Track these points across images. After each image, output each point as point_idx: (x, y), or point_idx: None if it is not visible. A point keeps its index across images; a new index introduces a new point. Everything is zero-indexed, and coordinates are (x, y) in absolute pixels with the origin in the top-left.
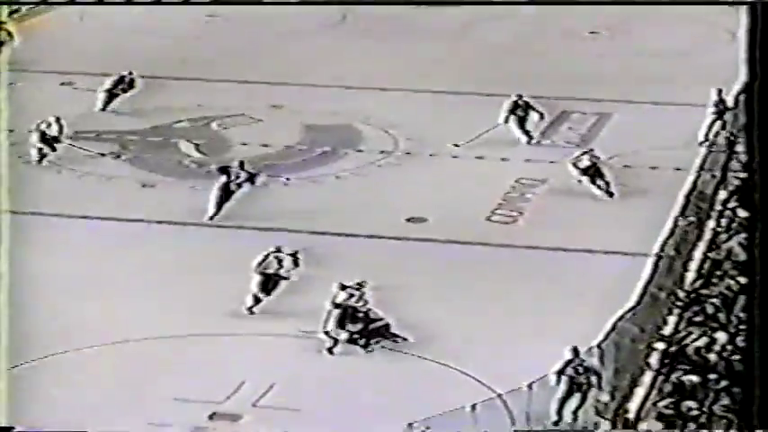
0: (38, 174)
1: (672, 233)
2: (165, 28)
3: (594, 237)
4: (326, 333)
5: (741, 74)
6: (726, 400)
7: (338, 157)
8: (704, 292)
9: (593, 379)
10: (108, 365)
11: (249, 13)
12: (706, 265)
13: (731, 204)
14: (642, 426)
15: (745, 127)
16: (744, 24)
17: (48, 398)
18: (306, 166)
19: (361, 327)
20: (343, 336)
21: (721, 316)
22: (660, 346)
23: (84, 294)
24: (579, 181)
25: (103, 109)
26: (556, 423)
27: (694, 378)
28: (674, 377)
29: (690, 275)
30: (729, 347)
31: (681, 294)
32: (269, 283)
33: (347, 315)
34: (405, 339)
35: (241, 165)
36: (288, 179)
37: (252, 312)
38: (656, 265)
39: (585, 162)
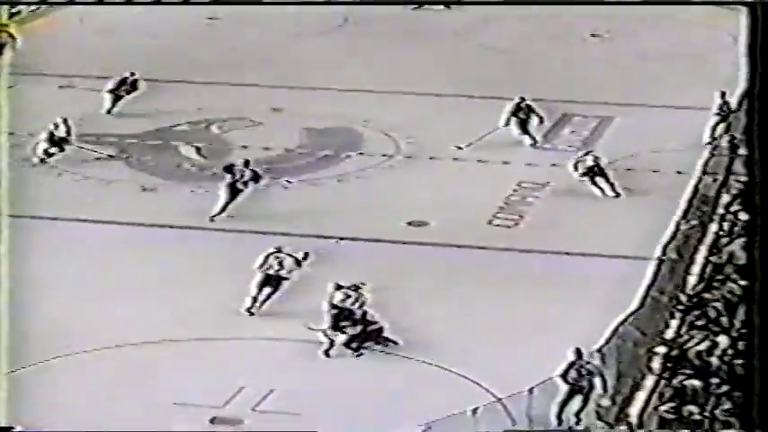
0: (38, 177)
1: (674, 237)
2: (166, 29)
3: (596, 240)
4: (324, 333)
5: (743, 76)
6: (727, 405)
7: (339, 160)
8: (706, 295)
9: (596, 381)
10: (108, 369)
11: (249, 15)
12: (708, 269)
13: (733, 208)
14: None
15: (746, 129)
16: (745, 27)
17: (47, 401)
18: (307, 169)
19: (360, 329)
20: (340, 338)
21: (723, 320)
22: (662, 350)
23: (84, 298)
24: (582, 180)
25: (109, 111)
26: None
27: (696, 382)
28: (675, 381)
29: (692, 279)
30: (731, 351)
31: (683, 298)
32: (269, 283)
33: (342, 316)
34: (395, 343)
35: (246, 163)
36: (289, 182)
37: (251, 313)
38: (657, 269)
39: (589, 162)
